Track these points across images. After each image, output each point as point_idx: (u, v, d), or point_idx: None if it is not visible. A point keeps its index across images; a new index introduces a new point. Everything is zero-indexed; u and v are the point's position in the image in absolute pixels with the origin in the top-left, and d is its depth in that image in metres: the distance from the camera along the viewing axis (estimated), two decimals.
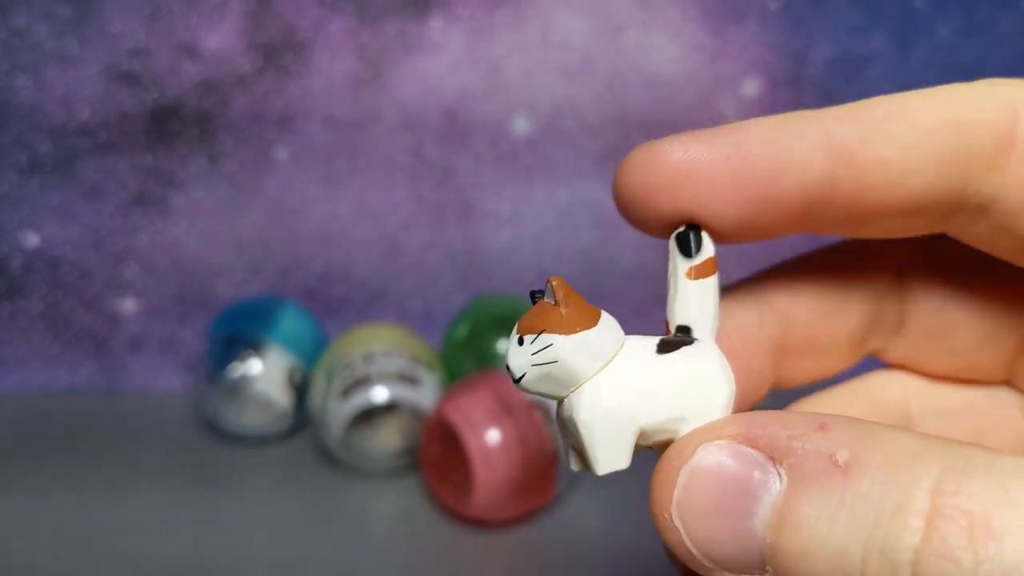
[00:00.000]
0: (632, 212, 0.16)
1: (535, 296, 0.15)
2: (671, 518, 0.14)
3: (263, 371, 0.44)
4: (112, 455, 0.44)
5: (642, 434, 0.15)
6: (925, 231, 0.16)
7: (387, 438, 0.41)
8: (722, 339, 0.16)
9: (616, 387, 0.15)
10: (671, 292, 0.16)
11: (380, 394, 0.41)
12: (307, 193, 0.49)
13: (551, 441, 0.38)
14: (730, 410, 0.15)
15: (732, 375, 0.15)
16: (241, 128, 0.47)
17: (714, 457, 0.14)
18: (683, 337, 0.15)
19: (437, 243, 0.50)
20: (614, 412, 0.14)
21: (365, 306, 0.51)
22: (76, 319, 0.50)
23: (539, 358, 0.14)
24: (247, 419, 0.44)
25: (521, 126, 0.48)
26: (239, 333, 0.45)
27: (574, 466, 0.16)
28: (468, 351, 0.46)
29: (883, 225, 0.16)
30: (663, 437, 0.15)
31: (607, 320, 0.15)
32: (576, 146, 0.49)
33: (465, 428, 0.37)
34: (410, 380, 0.42)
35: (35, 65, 0.46)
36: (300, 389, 0.45)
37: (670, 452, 0.14)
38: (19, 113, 0.46)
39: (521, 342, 0.15)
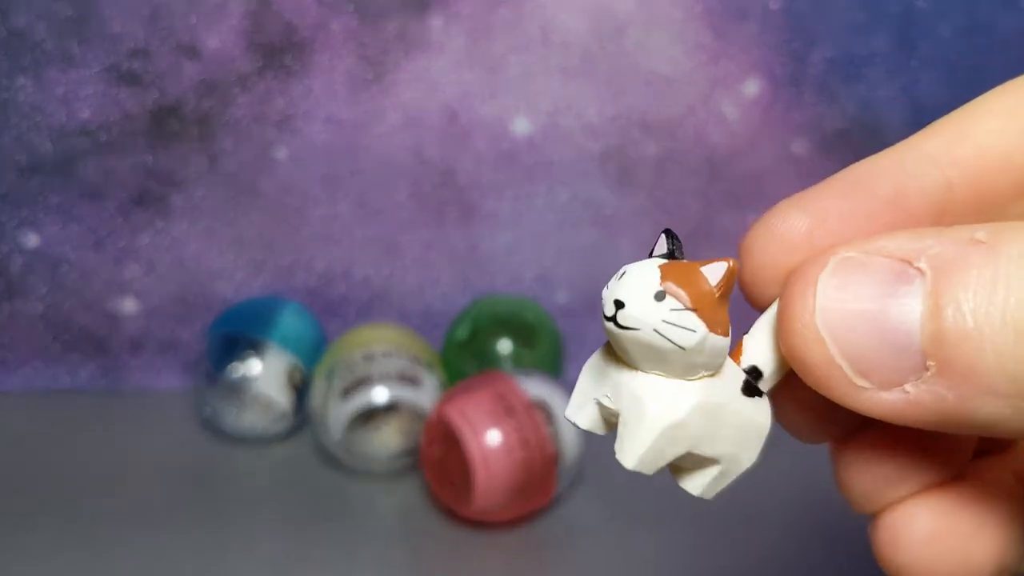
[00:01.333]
0: (761, 293, 0.15)
1: (672, 239, 0.14)
2: (815, 331, 0.13)
3: (263, 371, 0.44)
4: (113, 454, 0.44)
5: (684, 454, 0.14)
6: None
7: (387, 439, 0.42)
8: None
9: (699, 407, 0.13)
10: (760, 325, 0.15)
11: (380, 394, 0.41)
12: (307, 193, 0.49)
13: (552, 442, 0.38)
14: (734, 480, 0.14)
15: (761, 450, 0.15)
16: (241, 128, 0.47)
17: (853, 257, 0.13)
18: (757, 384, 0.14)
19: (438, 243, 0.50)
20: (680, 427, 0.13)
21: (365, 306, 0.51)
22: (76, 319, 0.50)
23: (669, 331, 0.13)
24: (247, 419, 0.44)
25: (521, 126, 0.48)
26: (239, 333, 0.45)
27: (586, 423, 0.15)
28: (469, 351, 0.46)
29: (1011, 211, 0.15)
30: (683, 463, 0.14)
31: (729, 341, 0.14)
32: (577, 146, 0.49)
33: (465, 429, 0.37)
34: (410, 380, 0.42)
35: (35, 65, 0.46)
36: (300, 389, 0.45)
37: (800, 267, 0.13)
38: (19, 113, 0.46)
39: (661, 297, 0.13)
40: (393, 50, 0.47)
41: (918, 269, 0.12)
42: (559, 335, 0.48)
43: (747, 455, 0.14)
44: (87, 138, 0.47)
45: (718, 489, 0.14)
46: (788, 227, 0.14)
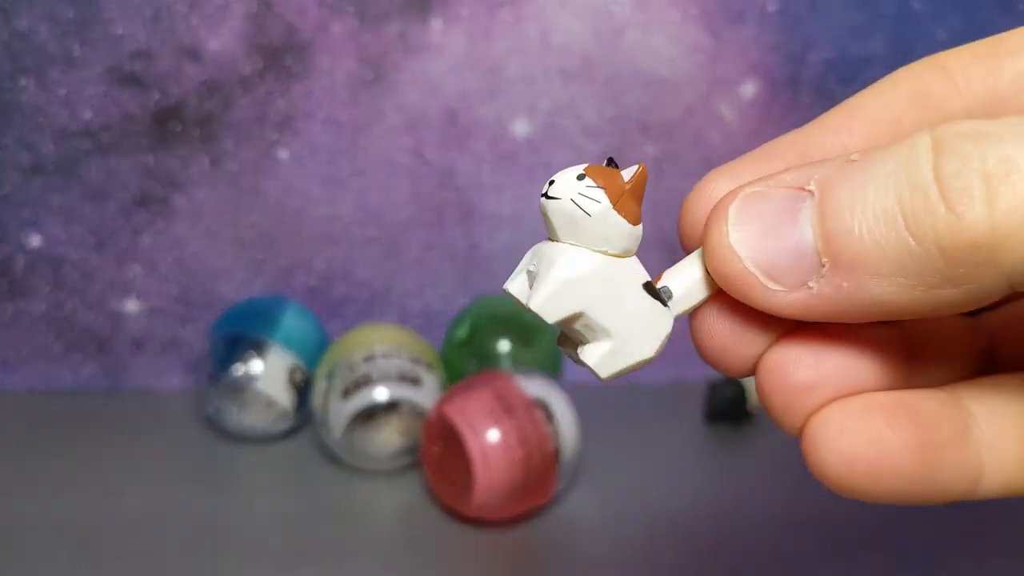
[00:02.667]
0: (693, 242, 0.18)
1: (612, 161, 0.17)
2: (730, 248, 0.15)
3: (265, 371, 0.44)
4: (115, 454, 0.44)
5: (579, 316, 0.16)
6: None
7: (388, 437, 0.42)
8: None
9: (597, 274, 0.16)
10: (685, 262, 0.17)
11: (381, 394, 0.41)
12: (309, 193, 0.49)
13: (551, 440, 0.38)
14: (629, 366, 0.17)
15: (659, 350, 0.17)
16: (243, 129, 0.48)
17: (756, 191, 0.15)
18: (662, 295, 0.17)
19: (438, 243, 0.50)
20: (579, 283, 0.16)
21: (366, 306, 0.51)
22: (78, 319, 0.50)
23: (581, 201, 0.16)
24: (249, 418, 0.44)
25: (521, 127, 0.48)
26: (241, 333, 0.45)
27: (516, 290, 0.17)
28: (468, 351, 0.46)
29: None
30: (583, 333, 0.17)
31: (638, 234, 0.16)
32: (576, 147, 0.49)
33: (465, 428, 0.37)
34: (411, 380, 0.42)
35: (38, 67, 0.46)
36: (301, 389, 0.45)
37: (719, 201, 0.16)
38: (22, 114, 0.46)
39: (581, 177, 0.16)
40: (393, 52, 0.47)
41: (808, 192, 0.15)
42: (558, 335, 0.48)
43: (643, 345, 0.16)
44: (89, 139, 0.47)
45: (614, 369, 0.17)
46: (713, 189, 0.17)
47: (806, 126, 0.17)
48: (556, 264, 0.16)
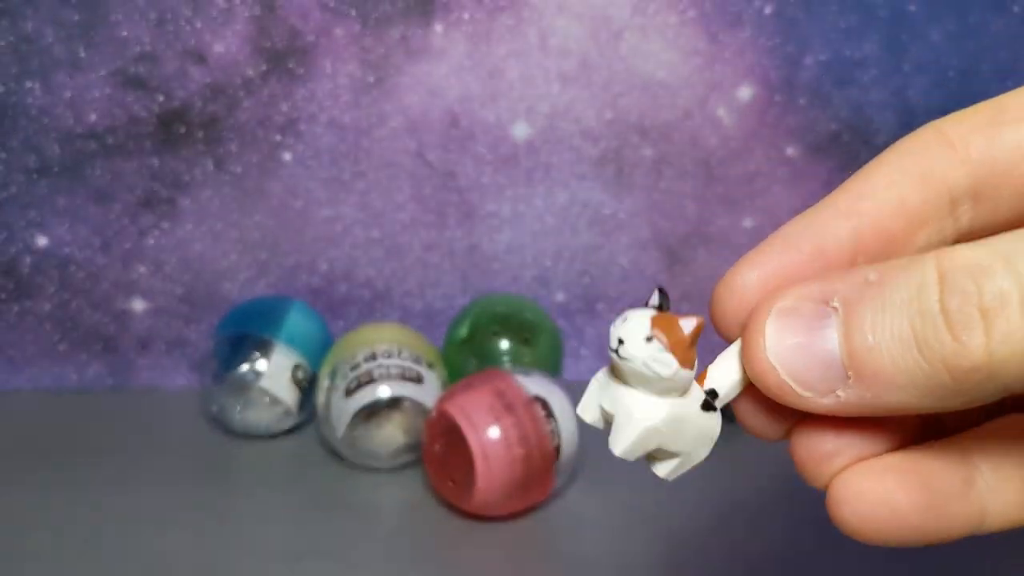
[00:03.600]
0: (728, 331, 0.19)
1: (663, 295, 0.19)
2: (768, 363, 0.17)
3: (269, 370, 0.44)
4: (121, 452, 0.44)
5: (656, 448, 0.19)
6: None
7: (390, 435, 0.42)
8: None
9: (668, 418, 0.19)
10: (724, 360, 0.19)
11: (383, 392, 0.41)
12: (312, 195, 0.49)
13: (550, 438, 0.39)
14: (689, 469, 0.20)
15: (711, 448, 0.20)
16: (247, 131, 0.48)
17: (788, 306, 0.18)
18: (713, 402, 0.19)
19: (439, 244, 0.50)
20: (655, 431, 0.19)
21: (369, 306, 0.51)
22: (84, 319, 0.50)
23: (654, 365, 0.18)
24: (253, 417, 0.45)
25: (521, 130, 0.49)
26: (245, 332, 0.45)
27: (591, 420, 0.20)
28: (469, 350, 0.46)
29: (913, 244, 0.19)
30: (658, 455, 0.19)
31: (694, 374, 0.19)
32: (575, 149, 0.49)
33: (466, 425, 0.38)
34: (413, 378, 0.42)
35: (43, 70, 0.46)
36: (305, 387, 0.45)
37: (751, 316, 0.18)
38: (28, 116, 0.47)
39: (650, 340, 0.18)
40: (395, 55, 0.47)
41: (833, 308, 0.17)
42: (557, 333, 0.48)
43: (701, 452, 0.19)
44: (95, 141, 0.47)
45: (679, 474, 0.20)
46: (743, 282, 0.19)
47: (819, 205, 0.19)
48: (634, 416, 0.18)
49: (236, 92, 0.47)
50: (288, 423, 0.45)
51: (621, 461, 0.47)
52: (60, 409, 0.49)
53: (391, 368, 0.42)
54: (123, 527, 0.39)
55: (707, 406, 0.19)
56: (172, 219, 0.49)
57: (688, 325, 0.18)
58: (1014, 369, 0.16)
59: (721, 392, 0.19)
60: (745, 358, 0.18)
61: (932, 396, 0.16)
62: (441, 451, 0.39)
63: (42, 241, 0.49)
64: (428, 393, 0.42)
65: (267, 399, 0.44)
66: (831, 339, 0.17)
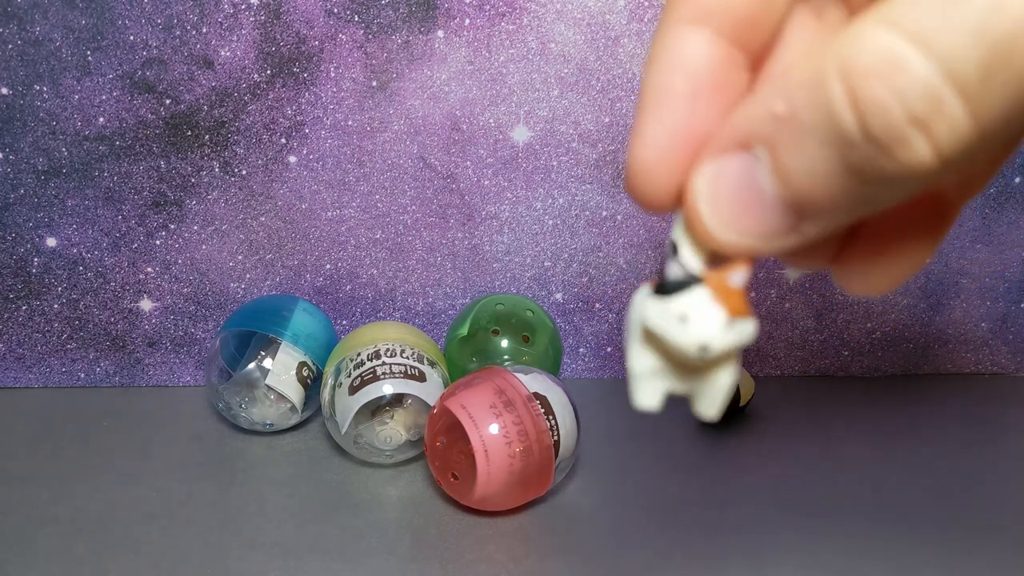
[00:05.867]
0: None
1: (676, 253, 0.18)
2: (728, 241, 0.17)
3: (275, 367, 0.44)
4: (129, 448, 0.44)
5: None
6: None
7: (393, 431, 0.42)
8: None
9: (738, 358, 0.19)
10: (680, 240, 0.19)
11: (387, 389, 0.41)
12: (317, 197, 0.49)
13: (550, 434, 0.38)
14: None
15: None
16: (253, 135, 0.48)
17: (711, 173, 0.17)
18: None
19: (441, 245, 0.50)
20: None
21: (372, 305, 0.51)
22: (93, 318, 0.50)
23: (740, 340, 0.17)
24: (259, 413, 0.45)
25: (521, 133, 0.49)
26: (251, 331, 0.45)
27: (653, 404, 0.19)
28: (470, 348, 0.46)
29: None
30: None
31: None
32: (573, 152, 0.49)
33: (468, 421, 0.37)
34: (415, 376, 0.42)
35: (52, 73, 0.46)
36: (310, 384, 0.45)
37: (686, 204, 0.17)
38: (37, 120, 0.46)
39: (731, 323, 0.17)
40: (398, 61, 0.47)
41: (756, 157, 0.16)
42: (556, 332, 0.48)
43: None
44: (103, 144, 0.47)
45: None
46: (647, 158, 0.18)
47: (665, 24, 0.17)
48: (720, 384, 0.18)
49: (242, 96, 0.47)
50: (293, 420, 0.45)
51: (619, 456, 0.47)
52: (69, 406, 0.49)
53: (394, 366, 0.42)
54: (131, 522, 0.39)
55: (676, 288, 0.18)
56: (179, 220, 0.49)
57: (739, 278, 0.17)
58: (970, 153, 0.14)
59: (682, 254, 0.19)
60: (699, 240, 0.17)
61: (887, 202, 0.15)
62: (443, 447, 0.39)
63: (51, 242, 0.49)
64: (430, 390, 0.42)
65: (273, 396, 0.44)
66: (768, 187, 0.16)
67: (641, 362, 0.19)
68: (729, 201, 0.16)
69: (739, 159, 0.16)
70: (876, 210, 0.16)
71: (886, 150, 0.14)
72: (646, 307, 0.18)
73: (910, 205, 0.19)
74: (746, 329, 0.18)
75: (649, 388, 0.19)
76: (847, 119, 0.14)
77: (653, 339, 0.19)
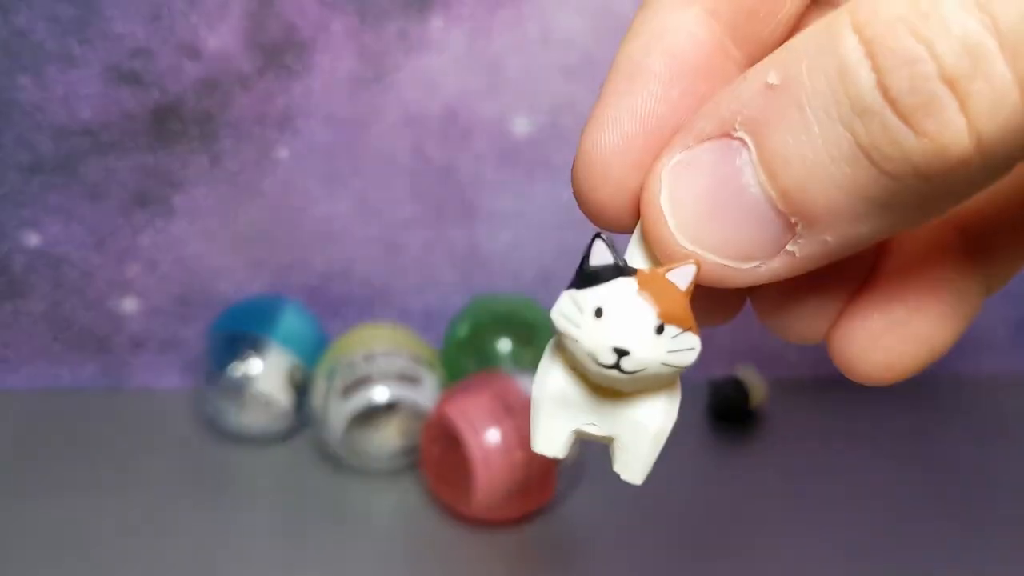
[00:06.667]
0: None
1: (616, 253, 0.14)
2: (682, 247, 0.13)
3: (264, 370, 0.44)
4: (114, 454, 0.44)
5: None
6: None
7: (387, 438, 0.42)
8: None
9: (678, 400, 0.15)
10: (631, 254, 0.16)
11: (381, 394, 0.41)
12: (308, 192, 0.49)
13: None
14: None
15: None
16: (242, 128, 0.48)
17: (680, 161, 0.13)
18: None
19: (438, 242, 0.50)
20: (672, 428, 0.15)
21: (366, 305, 0.51)
22: (78, 319, 0.50)
23: (674, 359, 0.13)
24: (248, 418, 0.45)
25: (522, 125, 0.49)
26: (240, 332, 0.45)
27: (561, 453, 0.15)
28: (469, 350, 0.46)
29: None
30: None
31: None
32: (576, 145, 0.49)
33: (465, 428, 0.37)
34: (410, 380, 0.42)
35: (36, 65, 0.46)
36: (301, 388, 0.45)
37: (643, 197, 0.14)
38: (20, 113, 0.46)
39: (661, 330, 0.13)
40: (394, 50, 0.47)
41: (739, 140, 0.13)
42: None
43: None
44: (88, 138, 0.47)
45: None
46: (602, 147, 0.15)
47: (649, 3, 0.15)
48: (651, 430, 0.14)
49: (232, 88, 0.47)
50: (283, 425, 0.45)
51: None
52: (53, 409, 0.49)
53: (389, 368, 0.42)
54: (116, 530, 0.39)
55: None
56: (166, 217, 0.49)
57: (684, 277, 0.13)
58: (1013, 140, 0.11)
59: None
60: (657, 251, 0.14)
61: (914, 209, 0.12)
62: (439, 455, 0.39)
63: (35, 240, 0.48)
64: (426, 395, 0.42)
65: (262, 400, 0.44)
66: (752, 185, 0.13)
67: (548, 383, 0.14)
68: (698, 200, 0.13)
69: (716, 146, 0.13)
70: (890, 227, 0.12)
71: (910, 118, 0.11)
72: (557, 303, 0.14)
73: (931, 277, 0.15)
74: (685, 343, 0.13)
75: (553, 424, 0.14)
76: (861, 75, 0.11)
77: (567, 352, 0.14)
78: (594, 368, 0.13)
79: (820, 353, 0.54)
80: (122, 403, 0.49)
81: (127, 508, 0.40)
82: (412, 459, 0.43)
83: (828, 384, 0.52)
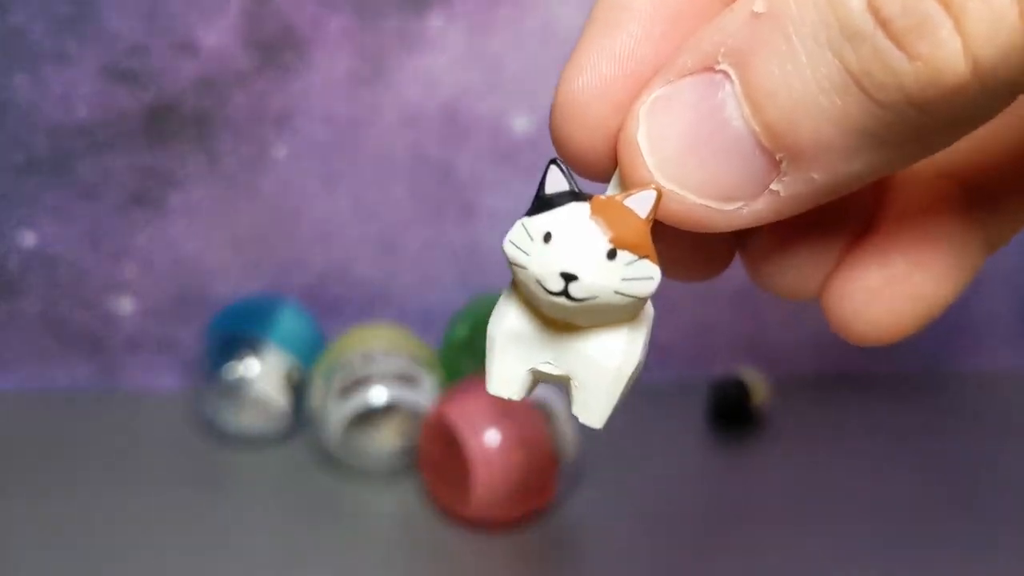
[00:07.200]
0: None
1: (572, 178, 0.13)
2: (659, 182, 0.13)
3: (261, 371, 0.44)
4: (110, 455, 0.44)
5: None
6: None
7: (386, 439, 0.42)
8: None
9: (646, 342, 0.13)
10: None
11: (379, 394, 0.41)
12: (306, 192, 0.49)
13: (551, 442, 0.38)
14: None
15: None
16: (239, 127, 0.48)
17: (660, 96, 0.13)
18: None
19: (437, 242, 0.50)
20: (637, 368, 0.14)
21: (364, 305, 0.51)
22: (73, 319, 0.50)
23: (629, 287, 0.12)
24: (245, 419, 0.45)
25: (521, 123, 0.48)
26: (237, 333, 0.45)
27: (518, 394, 0.15)
28: (468, 351, 0.46)
29: None
30: None
31: None
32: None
33: (464, 429, 0.37)
34: (409, 380, 0.42)
35: (32, 63, 0.46)
36: (298, 389, 0.45)
37: (621, 135, 0.13)
38: (16, 112, 0.46)
39: (614, 255, 0.12)
40: (392, 48, 0.47)
41: (722, 73, 0.12)
42: None
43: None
44: (84, 137, 0.47)
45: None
46: (581, 89, 0.14)
47: None
48: (610, 368, 0.13)
49: (228, 86, 0.47)
50: (280, 426, 0.45)
51: (625, 464, 0.47)
52: (48, 411, 0.49)
53: (388, 369, 0.42)
54: (111, 531, 0.39)
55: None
56: (163, 216, 0.49)
57: (644, 203, 0.12)
58: (1012, 65, 0.10)
59: None
60: (635, 181, 0.13)
61: (909, 142, 0.11)
62: (438, 455, 0.39)
63: (30, 239, 0.48)
64: (425, 396, 0.42)
65: (259, 401, 0.44)
66: (735, 119, 0.12)
67: (503, 321, 0.14)
68: (678, 137, 0.12)
69: (698, 80, 0.12)
70: (884, 164, 0.12)
71: (902, 40, 0.10)
72: (509, 232, 0.13)
73: (933, 228, 0.15)
74: (641, 272, 0.12)
75: (508, 363, 0.14)
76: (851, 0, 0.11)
77: (522, 287, 0.13)
78: (544, 297, 0.12)
79: (821, 352, 0.54)
80: (118, 404, 0.49)
81: (124, 510, 0.40)
82: (411, 460, 0.42)
83: (829, 383, 0.52)
